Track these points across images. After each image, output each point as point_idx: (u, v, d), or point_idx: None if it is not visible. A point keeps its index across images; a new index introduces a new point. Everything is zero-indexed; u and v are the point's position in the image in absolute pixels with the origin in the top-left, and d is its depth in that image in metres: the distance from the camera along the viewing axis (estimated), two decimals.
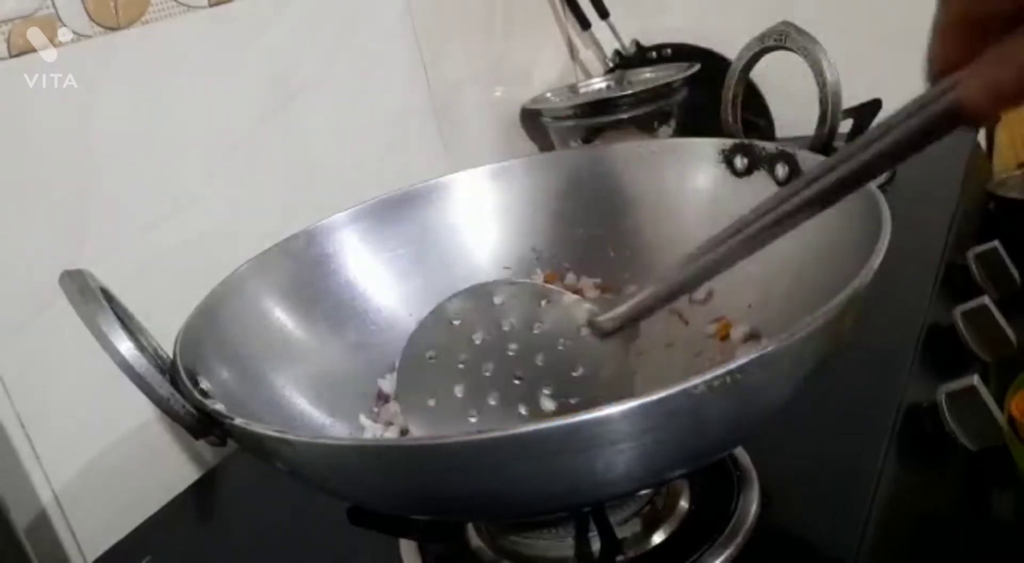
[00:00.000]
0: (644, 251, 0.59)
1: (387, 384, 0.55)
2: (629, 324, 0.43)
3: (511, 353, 0.46)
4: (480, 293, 0.46)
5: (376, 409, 0.55)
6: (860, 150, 0.32)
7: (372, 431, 0.53)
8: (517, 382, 0.46)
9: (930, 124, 0.29)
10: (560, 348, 0.45)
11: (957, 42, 0.28)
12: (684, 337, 0.56)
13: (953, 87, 0.28)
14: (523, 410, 0.45)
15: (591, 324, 0.44)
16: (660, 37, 1.17)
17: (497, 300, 0.46)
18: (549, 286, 0.47)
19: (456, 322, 0.47)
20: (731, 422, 0.35)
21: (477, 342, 0.46)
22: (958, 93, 0.28)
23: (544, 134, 1.12)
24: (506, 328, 0.46)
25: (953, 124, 0.29)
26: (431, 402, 0.47)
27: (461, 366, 0.47)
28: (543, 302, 0.45)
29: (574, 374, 0.45)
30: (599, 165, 0.61)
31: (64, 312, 0.41)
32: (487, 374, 0.46)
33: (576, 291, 0.60)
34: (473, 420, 0.46)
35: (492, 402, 0.46)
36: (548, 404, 0.45)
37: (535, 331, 0.45)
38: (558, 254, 0.61)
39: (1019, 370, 0.60)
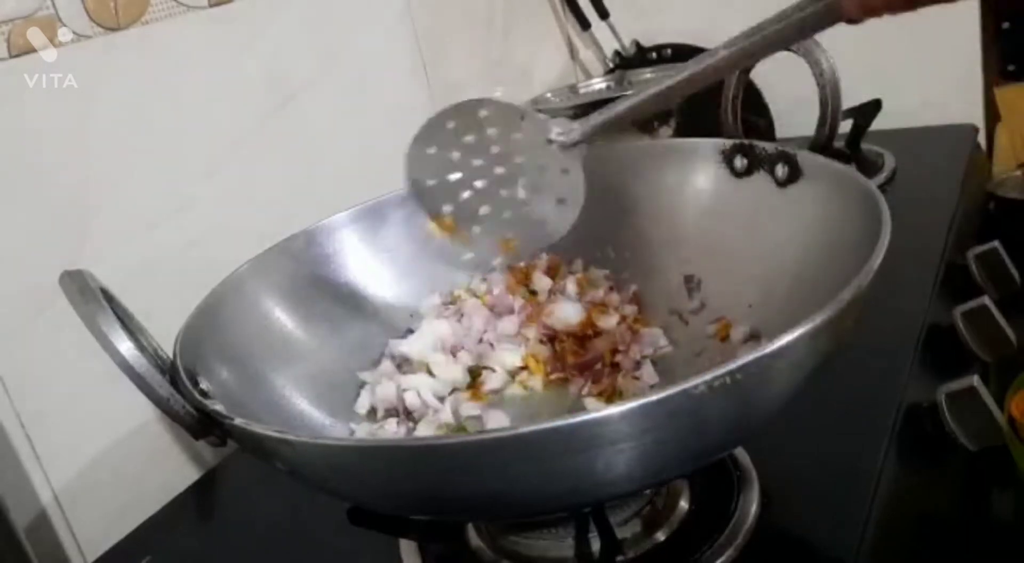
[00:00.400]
0: (644, 251, 0.59)
1: (367, 375, 0.56)
2: (586, 139, 0.52)
3: (494, 151, 0.55)
4: (470, 106, 0.55)
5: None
6: (753, 34, 0.41)
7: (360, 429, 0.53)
8: (499, 171, 0.55)
9: (814, 20, 0.38)
10: (532, 151, 0.54)
11: None
12: (684, 337, 0.56)
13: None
14: (503, 193, 0.56)
15: (556, 136, 0.52)
16: (660, 37, 1.17)
17: (483, 113, 0.54)
18: (527, 108, 0.56)
19: (451, 125, 0.55)
20: (731, 422, 0.35)
21: (468, 141, 0.55)
22: (839, 5, 0.35)
23: None
24: (490, 133, 0.55)
25: (832, 21, 0.37)
26: (430, 182, 0.57)
27: (455, 158, 0.56)
28: (521, 118, 0.54)
29: (544, 174, 0.54)
30: (599, 165, 0.61)
31: (64, 312, 0.41)
32: (475, 164, 0.56)
33: (585, 281, 0.60)
34: (466, 195, 0.56)
35: (478, 184, 0.56)
36: (521, 193, 0.55)
37: (513, 137, 0.54)
38: (558, 254, 0.61)
39: (1019, 370, 0.60)
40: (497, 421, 0.51)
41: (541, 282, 0.60)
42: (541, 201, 0.55)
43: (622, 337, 0.55)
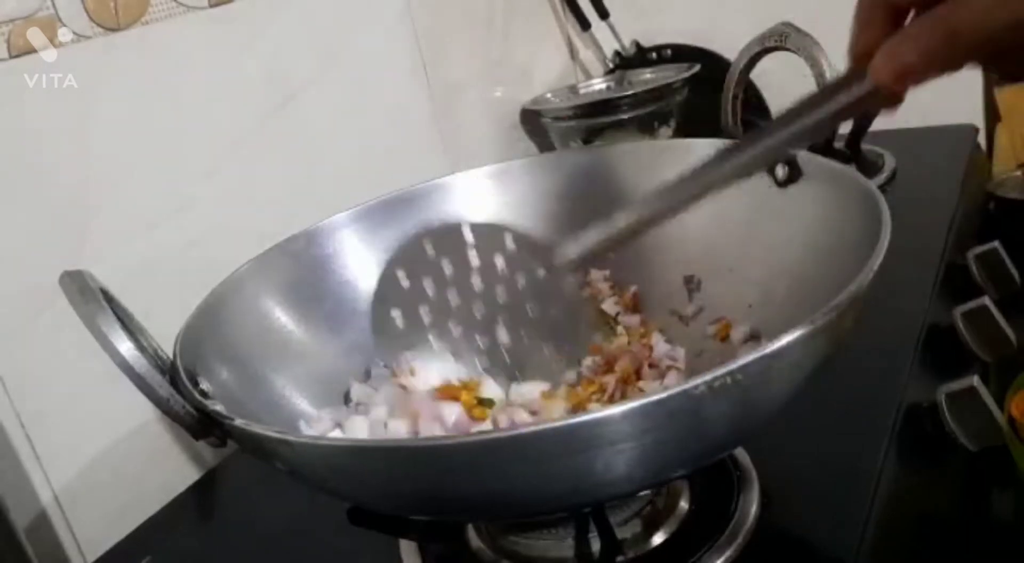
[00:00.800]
0: (644, 252, 0.59)
1: (356, 390, 0.55)
2: (582, 267, 0.48)
3: (475, 286, 0.51)
4: (453, 229, 0.52)
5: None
6: (795, 117, 0.35)
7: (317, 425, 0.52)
8: (478, 314, 0.51)
9: (855, 101, 0.33)
10: (520, 285, 0.50)
11: (873, 27, 0.31)
12: (684, 338, 0.56)
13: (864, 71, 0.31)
14: (479, 340, 0.51)
15: (548, 266, 0.49)
16: (660, 38, 1.17)
17: (468, 237, 0.51)
18: (516, 229, 0.52)
19: (430, 251, 0.51)
20: (731, 422, 0.35)
21: (446, 272, 0.51)
22: (870, 74, 0.30)
23: (544, 135, 1.12)
24: (473, 262, 0.51)
25: (873, 101, 0.32)
26: (397, 318, 0.52)
27: (429, 291, 0.52)
28: (508, 241, 0.50)
29: (529, 310, 0.50)
30: (599, 165, 0.61)
31: (64, 312, 0.41)
32: (451, 302, 0.51)
33: (585, 284, 0.60)
34: (432, 340, 0.52)
35: (452, 327, 0.52)
36: (503, 336, 0.51)
37: (498, 268, 0.51)
38: None
39: (1019, 370, 0.60)
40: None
41: None
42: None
43: (640, 353, 0.54)
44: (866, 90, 0.32)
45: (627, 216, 0.44)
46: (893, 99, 0.32)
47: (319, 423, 0.51)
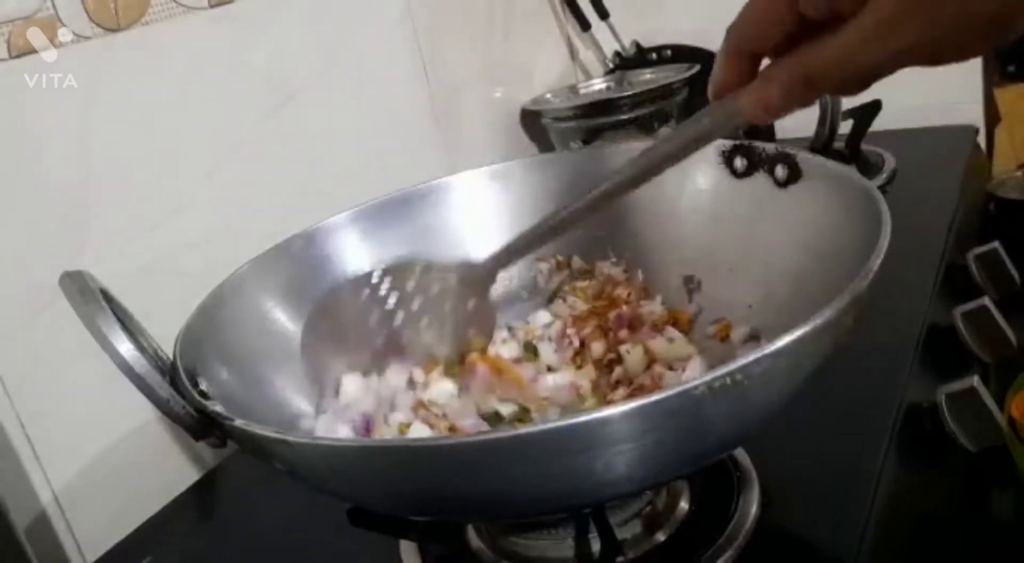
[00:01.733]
0: (644, 252, 0.59)
1: (349, 380, 0.54)
2: (498, 267, 0.52)
3: (397, 323, 0.54)
4: (362, 278, 0.54)
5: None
6: (666, 141, 0.41)
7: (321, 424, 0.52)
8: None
9: (719, 128, 0.38)
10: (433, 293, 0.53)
11: (734, 68, 0.35)
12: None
13: (735, 102, 0.36)
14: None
15: (463, 282, 0.53)
16: (660, 38, 1.17)
17: (379, 281, 0.54)
18: (427, 262, 0.55)
19: (349, 305, 0.53)
20: (731, 423, 0.35)
21: (369, 321, 0.54)
22: (738, 107, 0.35)
23: (544, 135, 1.12)
24: (391, 302, 0.54)
25: (738, 127, 0.38)
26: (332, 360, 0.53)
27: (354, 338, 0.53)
28: (422, 275, 0.53)
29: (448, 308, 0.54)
30: (599, 166, 0.61)
31: (64, 313, 0.41)
32: (379, 342, 0.54)
33: (588, 271, 0.60)
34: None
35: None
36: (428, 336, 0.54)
37: (415, 305, 0.54)
38: (558, 255, 0.61)
39: (1019, 371, 0.60)
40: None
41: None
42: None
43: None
44: (727, 119, 0.37)
45: (545, 219, 0.49)
46: (758, 127, 0.38)
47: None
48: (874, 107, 0.88)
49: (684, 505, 0.48)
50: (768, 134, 1.06)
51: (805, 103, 0.34)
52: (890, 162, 0.90)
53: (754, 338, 0.51)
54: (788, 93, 0.34)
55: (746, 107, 0.35)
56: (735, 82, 0.35)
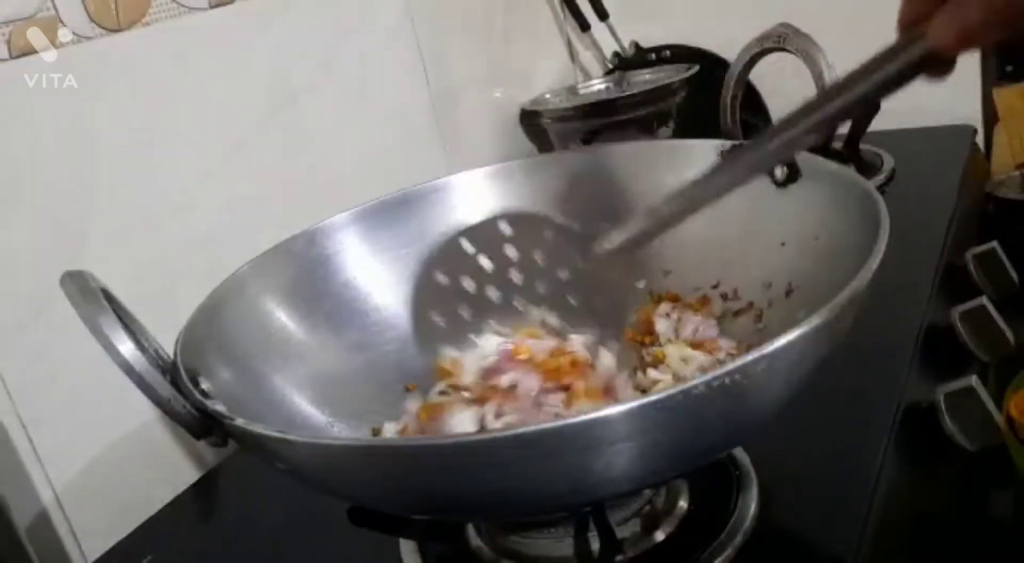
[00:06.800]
0: (643, 252, 0.59)
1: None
2: (624, 254, 0.47)
3: (515, 280, 0.50)
4: (490, 223, 0.51)
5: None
6: (845, 89, 0.36)
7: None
8: (520, 308, 0.51)
9: (906, 68, 0.33)
10: (560, 277, 0.49)
11: None
12: None
13: (922, 35, 0.31)
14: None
15: (588, 256, 0.48)
16: (659, 39, 1.17)
17: (505, 230, 0.50)
18: (554, 219, 0.51)
19: (467, 248, 0.51)
20: (730, 422, 0.36)
21: (485, 268, 0.51)
22: (929, 38, 0.31)
23: (543, 135, 1.12)
24: (511, 256, 0.50)
25: (926, 67, 0.33)
26: (438, 320, 0.51)
27: (468, 290, 0.51)
28: (547, 233, 0.50)
29: (572, 302, 0.50)
30: (599, 166, 0.61)
31: (65, 313, 0.41)
32: (492, 299, 0.51)
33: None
34: (474, 338, 0.51)
35: (494, 324, 0.51)
36: (552, 320, 0.50)
37: (537, 261, 0.50)
38: None
39: (1017, 370, 0.60)
40: None
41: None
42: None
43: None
44: (917, 57, 0.32)
45: (667, 206, 0.45)
46: (944, 67, 0.33)
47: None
48: (873, 107, 0.89)
49: (683, 504, 0.48)
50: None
51: (1008, 28, 0.30)
52: (889, 162, 0.90)
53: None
54: (991, 12, 0.30)
55: (937, 35, 0.31)
56: (924, 11, 0.31)
